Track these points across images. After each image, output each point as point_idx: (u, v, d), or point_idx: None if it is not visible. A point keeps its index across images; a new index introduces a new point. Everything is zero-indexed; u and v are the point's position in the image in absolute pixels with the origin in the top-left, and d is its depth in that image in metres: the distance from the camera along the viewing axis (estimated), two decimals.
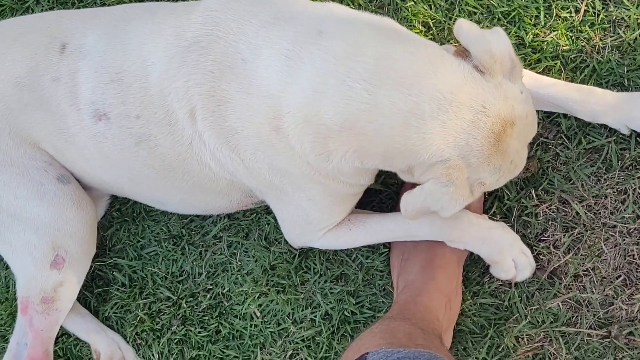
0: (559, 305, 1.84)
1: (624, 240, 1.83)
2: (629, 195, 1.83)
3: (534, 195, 1.87)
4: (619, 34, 1.90)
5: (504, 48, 1.50)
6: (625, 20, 1.91)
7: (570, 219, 1.86)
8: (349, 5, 1.99)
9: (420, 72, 1.48)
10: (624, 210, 1.83)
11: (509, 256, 1.82)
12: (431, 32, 1.98)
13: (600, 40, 1.91)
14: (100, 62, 1.73)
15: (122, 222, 2.07)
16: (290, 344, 1.94)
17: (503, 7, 1.96)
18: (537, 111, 1.88)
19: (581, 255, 1.85)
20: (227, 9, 1.64)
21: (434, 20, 1.99)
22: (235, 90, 1.60)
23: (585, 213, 1.85)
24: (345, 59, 1.51)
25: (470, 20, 1.94)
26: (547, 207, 1.87)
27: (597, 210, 1.85)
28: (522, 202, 1.88)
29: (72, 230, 1.84)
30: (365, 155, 1.56)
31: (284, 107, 1.55)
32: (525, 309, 1.85)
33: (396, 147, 1.51)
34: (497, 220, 1.86)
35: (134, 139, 1.73)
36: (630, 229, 1.83)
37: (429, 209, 1.56)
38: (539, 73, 1.90)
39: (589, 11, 1.93)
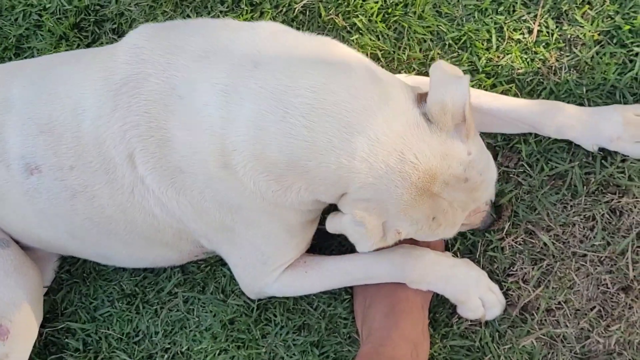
0: (532, 343, 1.74)
1: (596, 269, 1.73)
2: (597, 221, 1.74)
3: (499, 229, 1.78)
4: (575, 52, 1.82)
5: (460, 101, 1.40)
6: (580, 38, 1.82)
7: (538, 250, 1.76)
8: None
9: (358, 109, 1.41)
10: (593, 237, 1.74)
11: (475, 294, 1.72)
12: (380, 63, 1.90)
13: (557, 60, 1.83)
14: (28, 114, 1.65)
15: (72, 284, 1.98)
16: None
17: (453, 32, 1.88)
18: (497, 135, 1.81)
19: (552, 288, 1.75)
20: (153, 44, 1.56)
21: (382, 51, 1.90)
22: (176, 128, 1.52)
23: (554, 243, 1.75)
24: (283, 94, 1.43)
25: (420, 48, 1.88)
26: (513, 240, 1.78)
27: (566, 240, 1.76)
28: (487, 237, 1.78)
29: (15, 297, 1.75)
30: (314, 191, 1.50)
31: (228, 144, 1.48)
32: (498, 348, 1.75)
33: (332, 182, 1.46)
34: (461, 257, 1.77)
35: (69, 191, 1.65)
36: (601, 257, 1.73)
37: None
38: None
39: (542, 31, 1.85)
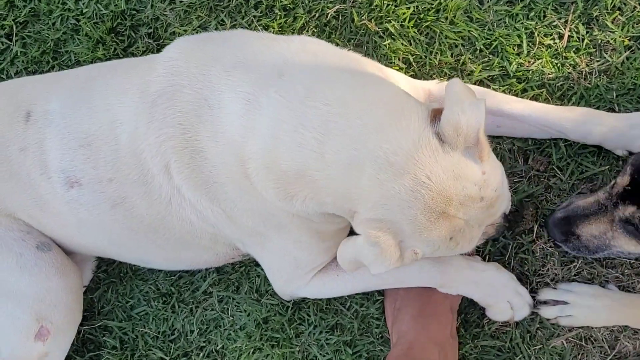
0: (563, 344, 1.77)
1: (625, 272, 1.76)
2: None
3: (529, 230, 1.81)
4: (605, 58, 1.84)
5: (474, 124, 1.36)
6: (610, 43, 1.85)
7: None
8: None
9: (369, 125, 1.39)
10: None
11: (503, 298, 1.75)
12: (412, 68, 1.93)
13: (587, 65, 1.85)
14: (67, 128, 1.68)
15: (109, 283, 2.02)
16: None
17: (484, 37, 1.91)
18: (528, 140, 1.83)
19: None
20: (188, 56, 1.59)
21: (414, 56, 1.93)
22: (206, 139, 1.54)
23: None
24: (300, 104, 1.44)
25: (452, 53, 1.90)
26: (544, 243, 1.81)
27: None
28: (518, 240, 1.81)
29: (56, 299, 1.79)
30: (319, 201, 1.48)
31: (246, 152, 1.49)
32: (529, 349, 1.78)
33: (340, 197, 1.43)
34: (492, 260, 1.80)
35: (109, 202, 1.68)
36: (630, 260, 1.76)
37: (361, 262, 1.47)
38: None
39: (572, 37, 1.87)
